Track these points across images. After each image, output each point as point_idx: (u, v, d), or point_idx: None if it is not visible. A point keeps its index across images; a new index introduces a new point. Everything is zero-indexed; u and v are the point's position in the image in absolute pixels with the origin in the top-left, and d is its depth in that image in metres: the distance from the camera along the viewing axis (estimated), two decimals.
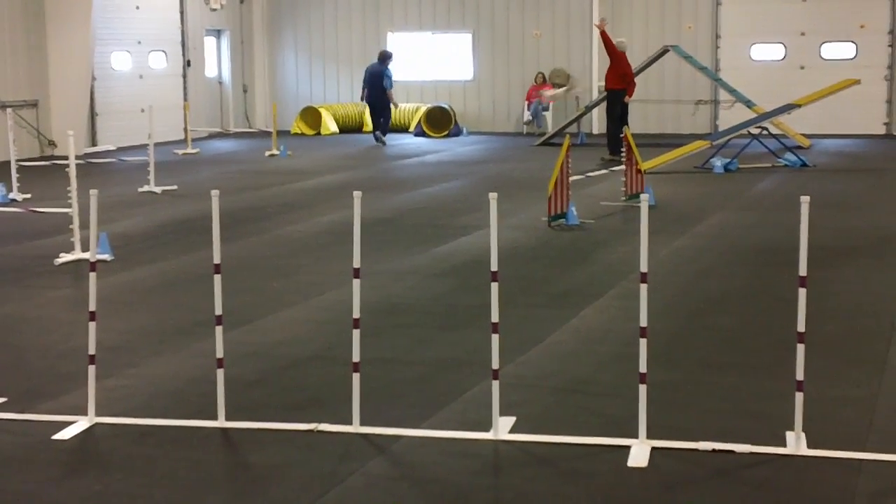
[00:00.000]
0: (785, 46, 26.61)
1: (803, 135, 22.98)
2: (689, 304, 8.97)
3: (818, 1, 26.21)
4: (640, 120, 25.23)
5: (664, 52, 22.98)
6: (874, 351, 7.43)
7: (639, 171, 14.83)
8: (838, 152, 21.87)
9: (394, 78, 25.12)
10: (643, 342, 5.62)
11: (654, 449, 5.54)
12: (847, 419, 6.05)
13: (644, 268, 5.65)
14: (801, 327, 5.55)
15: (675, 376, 6.90)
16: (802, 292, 5.57)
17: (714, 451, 5.51)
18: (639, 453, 5.49)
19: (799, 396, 5.54)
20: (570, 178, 13.43)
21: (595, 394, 6.64)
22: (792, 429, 5.59)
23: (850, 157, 21.04)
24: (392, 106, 24.75)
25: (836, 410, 6.19)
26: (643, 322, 5.62)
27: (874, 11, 25.94)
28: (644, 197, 5.79)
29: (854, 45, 26.19)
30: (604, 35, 20.75)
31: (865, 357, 7.31)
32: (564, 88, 26.22)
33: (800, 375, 5.54)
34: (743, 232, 12.44)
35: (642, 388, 5.61)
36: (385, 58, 24.89)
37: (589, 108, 24.78)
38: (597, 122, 26.61)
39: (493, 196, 5.97)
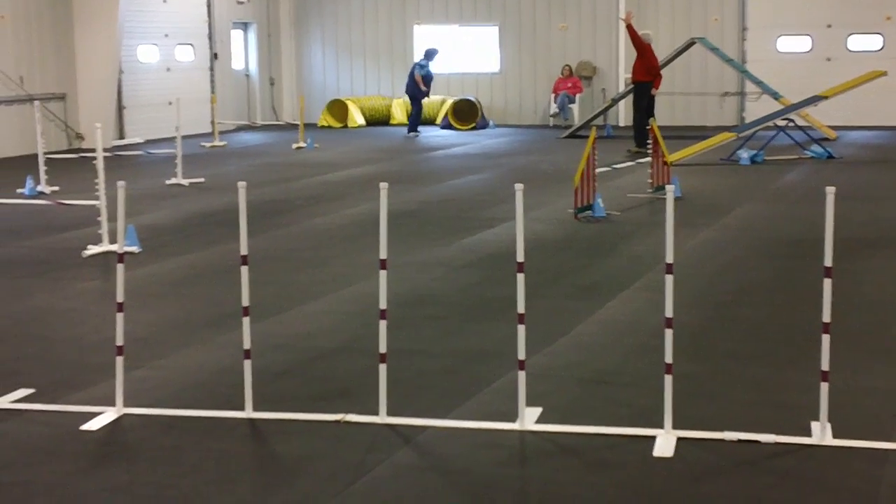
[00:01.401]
0: (811, 38, 26.49)
1: (830, 126, 22.88)
2: (715, 296, 8.97)
3: None
4: (666, 112, 25.19)
5: (691, 44, 22.92)
6: None
7: (665, 163, 14.81)
8: (865, 144, 21.76)
9: (433, 71, 25.54)
10: (669, 333, 5.63)
11: (679, 439, 5.56)
12: (872, 410, 6.05)
13: (670, 259, 5.66)
14: (826, 318, 5.56)
15: (700, 367, 6.91)
16: (828, 283, 5.57)
17: (739, 441, 5.53)
18: (664, 443, 5.51)
19: (824, 387, 5.54)
20: (597, 171, 13.44)
21: (621, 384, 6.66)
22: (817, 419, 5.60)
23: (877, 149, 20.93)
24: (421, 94, 25.16)
25: (862, 401, 6.19)
26: (669, 313, 5.64)
27: None
28: (669, 188, 5.80)
29: (881, 37, 26.05)
30: (630, 28, 20.71)
31: (891, 348, 7.30)
32: None
33: (825, 366, 5.55)
34: (769, 224, 12.42)
35: (668, 379, 5.62)
36: (427, 54, 25.42)
37: (615, 101, 24.72)
38: (623, 114, 26.57)
39: (518, 187, 6.00)
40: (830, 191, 5.63)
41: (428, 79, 25.25)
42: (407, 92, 25.65)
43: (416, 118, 25.30)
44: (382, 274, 5.98)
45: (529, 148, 22.01)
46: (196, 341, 7.73)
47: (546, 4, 27.95)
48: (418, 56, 26.62)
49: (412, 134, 24.78)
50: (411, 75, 25.28)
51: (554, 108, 27.05)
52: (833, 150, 19.62)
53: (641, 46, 20.62)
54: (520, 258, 5.91)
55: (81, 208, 12.81)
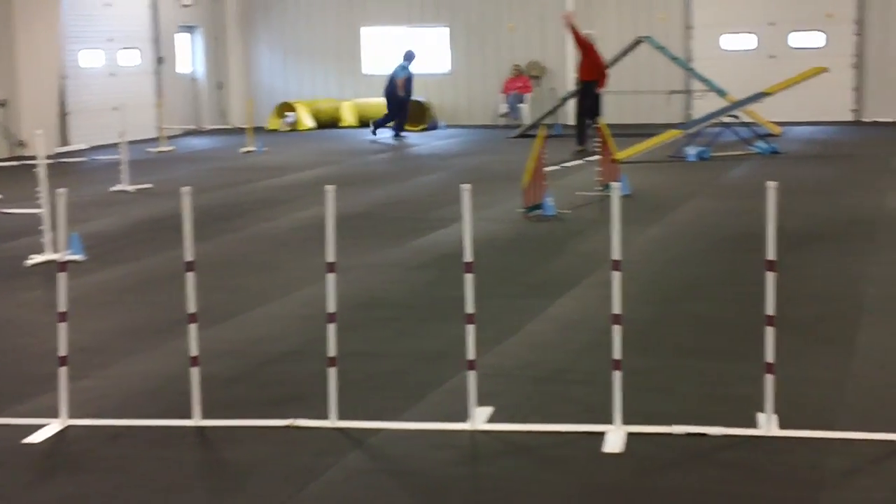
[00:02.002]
0: (756, 36, 26.75)
1: (774, 122, 23.10)
2: (664, 291, 9.04)
3: None
4: (614, 110, 25.28)
5: (637, 43, 23.06)
6: (844, 333, 7.52)
7: (613, 160, 14.89)
8: (808, 139, 22.01)
9: (383, 73, 25.32)
10: (617, 329, 5.67)
11: (629, 434, 5.60)
12: (817, 400, 6.13)
13: (617, 256, 5.70)
14: (769, 311, 5.62)
15: (650, 362, 6.96)
16: (770, 276, 5.64)
17: (688, 434, 5.58)
18: (614, 439, 5.54)
19: (769, 378, 5.61)
20: (546, 170, 13.49)
21: (572, 381, 6.69)
22: (764, 410, 5.66)
23: (820, 144, 21.18)
24: (399, 97, 24.68)
25: (807, 391, 6.27)
26: (616, 310, 5.68)
27: (841, 1, 26.10)
28: (615, 185, 5.84)
29: (823, 34, 26.35)
30: (572, 28, 20.83)
31: (835, 339, 7.40)
32: None
33: (770, 358, 5.61)
34: (716, 219, 12.52)
35: (617, 375, 5.66)
36: (406, 56, 25.03)
37: (565, 100, 24.81)
38: (573, 114, 26.67)
39: (465, 188, 6.01)
40: (772, 185, 5.69)
41: (409, 81, 24.80)
42: (386, 95, 24.95)
43: (398, 119, 24.70)
44: (330, 277, 5.97)
45: (480, 148, 22.05)
46: (143, 349, 7.68)
47: (495, 5, 28.01)
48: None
49: (400, 136, 24.39)
50: (392, 79, 24.69)
51: (504, 108, 27.10)
52: (778, 145, 19.82)
53: (584, 46, 20.75)
54: (467, 259, 5.93)
55: (24, 217, 12.67)
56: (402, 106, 24.80)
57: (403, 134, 24.73)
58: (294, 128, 26.76)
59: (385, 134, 24.56)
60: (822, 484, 4.99)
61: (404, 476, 5.30)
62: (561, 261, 10.49)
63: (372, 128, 24.83)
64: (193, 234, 6.06)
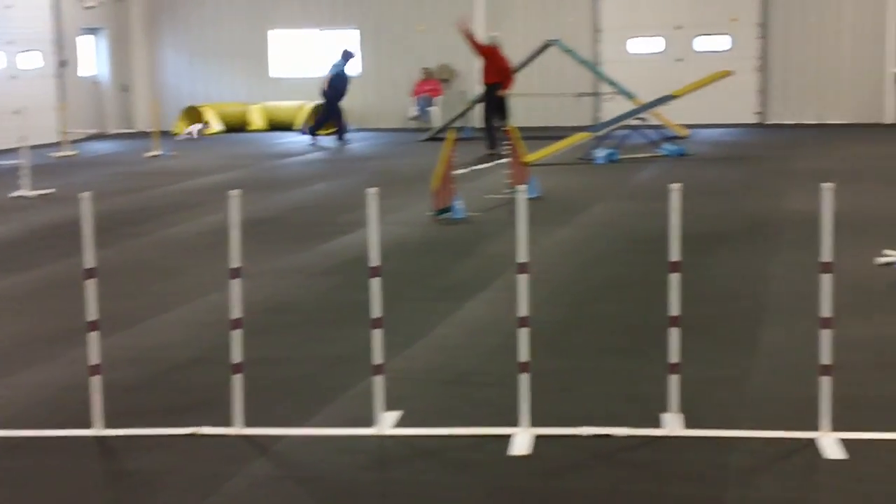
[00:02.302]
0: (663, 39, 27.09)
1: (681, 125, 23.40)
2: (573, 293, 9.09)
3: None
4: (524, 113, 25.41)
5: (546, 46, 23.20)
6: (747, 332, 7.62)
7: (523, 163, 14.95)
8: (714, 141, 22.34)
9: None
10: (524, 332, 5.68)
11: (537, 436, 5.60)
12: (721, 399, 6.20)
13: (523, 258, 5.70)
14: (673, 312, 5.67)
15: (559, 364, 6.98)
16: (675, 277, 5.69)
17: (595, 435, 5.60)
18: (521, 441, 5.54)
19: (674, 379, 5.65)
20: (456, 172, 13.51)
21: (480, 384, 6.68)
22: (669, 410, 5.70)
23: (726, 146, 21.52)
24: (336, 97, 24.18)
25: (711, 391, 6.33)
26: (523, 312, 5.68)
27: (745, 4, 26.55)
28: (521, 188, 5.84)
29: (728, 38, 26.77)
30: (467, 34, 20.89)
31: (739, 338, 7.49)
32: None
33: (674, 358, 5.65)
34: (624, 220, 12.63)
35: (524, 377, 5.67)
36: (344, 56, 24.43)
37: (474, 103, 24.88)
38: (480, 116, 26.76)
39: (371, 192, 5.97)
40: (675, 188, 5.73)
41: (342, 80, 24.22)
42: (325, 96, 24.44)
43: (338, 122, 24.30)
44: (235, 283, 5.90)
45: (390, 151, 22.02)
46: (42, 358, 7.50)
47: (405, 7, 28.00)
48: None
49: (343, 140, 24.04)
50: (331, 78, 24.17)
51: (414, 111, 27.10)
52: (685, 147, 20.09)
53: (483, 51, 20.84)
54: (374, 263, 5.89)
55: None
56: (332, 105, 24.23)
57: (347, 137, 24.34)
58: (200, 136, 26.20)
59: (289, 136, 24.37)
60: (725, 482, 5.04)
61: (310, 482, 5.24)
62: (470, 263, 10.49)
63: (308, 134, 24.37)
64: (96, 240, 5.95)
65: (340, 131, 24.14)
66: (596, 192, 15.05)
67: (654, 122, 21.84)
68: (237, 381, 5.85)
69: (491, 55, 20.79)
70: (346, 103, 27.43)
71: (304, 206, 14.51)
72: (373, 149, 22.67)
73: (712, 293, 8.84)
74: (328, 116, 24.26)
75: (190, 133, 25.79)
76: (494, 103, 20.74)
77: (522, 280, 5.69)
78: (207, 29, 28.83)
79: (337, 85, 24.09)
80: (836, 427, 5.51)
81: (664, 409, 5.77)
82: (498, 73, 20.72)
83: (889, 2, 25.83)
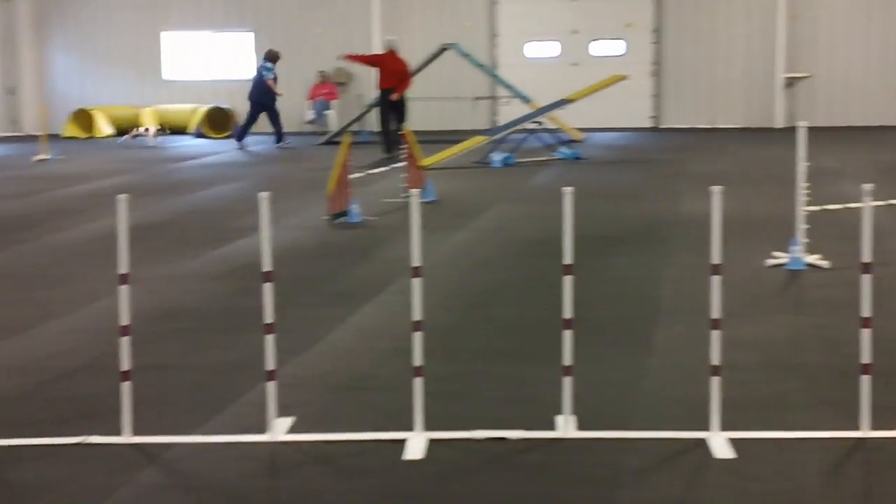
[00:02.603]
0: (559, 44, 27.34)
1: (577, 129, 23.64)
2: (467, 296, 9.09)
3: (588, 0, 27.02)
4: (421, 117, 25.47)
5: (443, 50, 23.28)
6: (640, 334, 7.69)
7: (419, 167, 14.95)
8: (609, 145, 22.61)
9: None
10: (418, 336, 5.65)
11: (430, 440, 5.57)
12: (614, 400, 6.24)
13: (416, 263, 5.68)
14: (567, 314, 5.69)
15: (453, 367, 6.96)
16: (568, 280, 5.70)
17: (488, 439, 5.58)
18: (415, 445, 5.51)
19: (567, 381, 5.67)
20: (352, 176, 13.45)
21: (374, 389, 6.64)
22: (562, 413, 5.72)
23: (620, 150, 21.78)
24: (272, 99, 23.81)
25: (605, 393, 6.37)
26: (417, 316, 5.66)
27: (640, 10, 26.94)
28: (415, 192, 5.82)
29: (623, 43, 27.12)
30: (354, 58, 20.91)
31: (632, 340, 7.55)
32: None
33: (567, 361, 5.67)
34: (520, 224, 12.69)
35: (418, 381, 5.64)
36: (269, 56, 24.05)
37: (371, 107, 24.83)
38: (376, 120, 26.72)
39: (263, 196, 5.90)
40: (568, 191, 5.75)
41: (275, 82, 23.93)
42: (251, 98, 24.11)
43: (279, 123, 23.94)
44: (123, 289, 5.78)
45: (285, 155, 21.87)
46: None
47: (300, 10, 27.86)
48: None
49: (283, 144, 23.72)
50: (259, 81, 23.87)
51: (310, 115, 26.96)
52: (580, 151, 20.29)
53: (376, 60, 20.92)
54: (266, 267, 5.81)
55: None
56: (257, 110, 23.73)
57: (288, 141, 23.90)
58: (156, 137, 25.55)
59: (182, 140, 24.03)
60: (617, 483, 5.07)
61: (200, 491, 5.15)
62: (366, 268, 10.44)
63: (235, 139, 23.93)
64: None
65: (278, 135, 23.80)
66: (492, 195, 15.11)
67: (551, 125, 22.04)
68: (126, 388, 5.72)
69: (385, 60, 20.78)
70: (238, 106, 27.21)
71: (198, 211, 14.32)
72: (268, 153, 22.47)
73: (607, 295, 8.92)
74: (253, 120, 23.95)
75: (140, 134, 25.20)
76: (391, 107, 20.73)
77: (416, 284, 5.67)
78: (98, 30, 28.35)
79: (263, 88, 23.74)
80: (726, 427, 5.58)
81: (558, 411, 5.78)
82: (393, 76, 20.72)
83: (779, 10, 26.40)
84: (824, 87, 26.90)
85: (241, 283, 9.76)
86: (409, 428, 5.69)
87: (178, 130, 26.62)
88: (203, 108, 26.65)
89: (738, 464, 5.23)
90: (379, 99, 21.28)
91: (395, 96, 20.56)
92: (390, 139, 20.62)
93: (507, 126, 20.75)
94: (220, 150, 23.06)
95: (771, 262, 9.95)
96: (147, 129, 25.54)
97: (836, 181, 15.34)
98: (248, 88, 24.22)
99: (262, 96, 23.81)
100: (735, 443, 5.44)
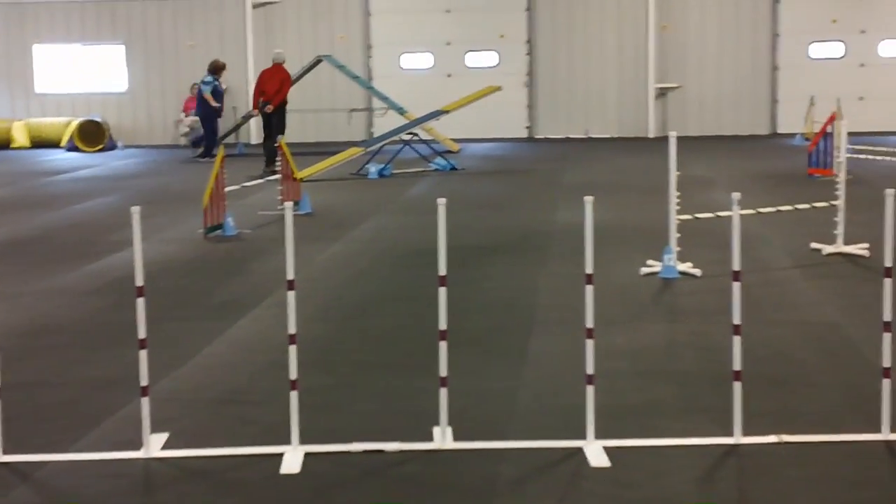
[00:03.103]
0: (433, 55, 27.47)
1: (453, 139, 23.78)
2: (344, 308, 9.07)
3: (461, 11, 27.23)
4: (297, 129, 25.36)
5: (318, 62, 23.21)
6: (516, 343, 7.76)
7: (295, 179, 14.87)
8: (485, 155, 22.78)
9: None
10: (293, 349, 5.63)
11: (307, 454, 5.55)
12: (491, 410, 6.28)
13: (291, 275, 5.65)
14: (442, 325, 5.71)
15: (330, 380, 6.94)
16: (443, 291, 5.73)
17: (365, 451, 5.58)
18: (292, 459, 5.48)
19: (443, 392, 5.70)
20: (227, 189, 13.32)
21: (250, 403, 6.58)
22: (439, 424, 5.74)
23: (496, 160, 21.97)
24: (214, 112, 22.93)
25: (481, 403, 6.41)
26: (292, 329, 5.63)
27: (513, 22, 27.22)
28: (288, 205, 5.80)
29: (496, 54, 27.37)
30: (275, 99, 20.51)
31: (509, 349, 7.61)
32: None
33: (443, 372, 5.70)
34: (396, 235, 12.71)
35: (293, 395, 5.61)
36: (212, 69, 23.12)
37: (246, 119, 24.65)
38: (255, 132, 26.54)
39: (135, 210, 5.82)
40: (441, 202, 5.79)
41: (218, 94, 23.03)
42: (197, 114, 23.38)
43: (211, 139, 22.98)
44: None
45: (160, 169, 21.56)
46: None
47: (173, 22, 27.52)
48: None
49: (207, 159, 22.88)
50: (199, 95, 23.05)
51: (185, 128, 26.63)
52: (456, 162, 20.41)
53: (267, 81, 20.60)
54: (139, 282, 5.74)
55: None
56: (211, 122, 23.02)
57: (212, 156, 23.11)
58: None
59: (53, 154, 23.45)
60: (494, 492, 5.10)
61: None
62: (242, 281, 10.35)
63: (201, 157, 23.03)
64: None
65: (208, 149, 23.16)
66: (368, 207, 15.11)
67: (426, 136, 22.12)
68: None
69: (270, 76, 20.59)
70: (111, 119, 26.73)
71: (71, 225, 14.03)
72: (142, 166, 22.15)
73: (483, 305, 8.98)
74: (212, 133, 23.20)
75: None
76: (269, 119, 20.57)
77: (291, 297, 5.65)
78: None
79: (201, 101, 23.01)
80: (602, 435, 5.66)
81: (435, 422, 5.80)
82: (278, 89, 20.60)
83: (650, 22, 26.94)
84: (695, 97, 27.52)
85: (116, 298, 9.59)
86: (286, 442, 5.66)
87: (51, 144, 26.04)
88: (76, 122, 26.13)
89: (614, 472, 5.31)
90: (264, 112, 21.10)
91: (268, 108, 20.39)
92: (274, 152, 20.51)
93: (382, 137, 20.76)
94: (94, 163, 22.63)
95: (645, 270, 10.14)
96: None
97: (707, 190, 15.69)
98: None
99: (203, 109, 23.08)
100: (610, 451, 5.52)
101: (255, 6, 27.36)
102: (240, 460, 5.57)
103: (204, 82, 23.15)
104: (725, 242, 5.70)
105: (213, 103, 22.82)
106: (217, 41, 27.43)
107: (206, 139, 23.16)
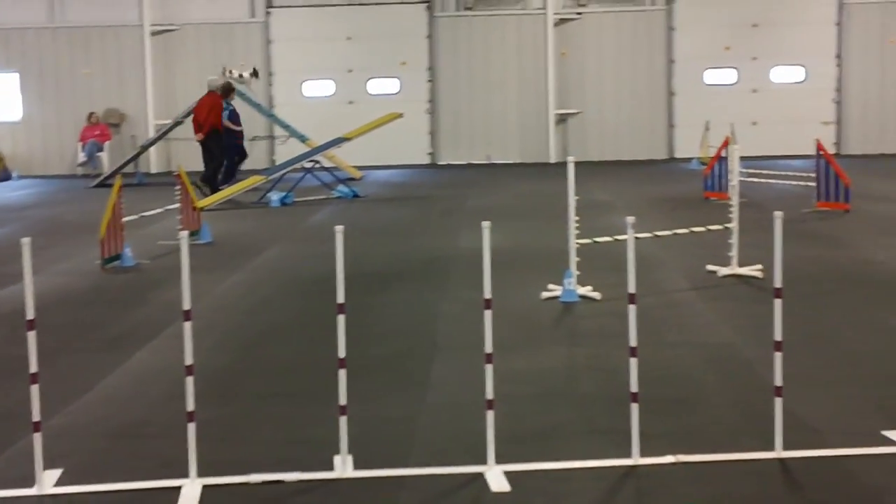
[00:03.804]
0: (335, 82, 27.45)
1: (356, 167, 23.76)
2: (243, 338, 8.97)
3: (363, 39, 27.28)
4: (198, 157, 25.15)
5: None
6: (417, 370, 7.74)
7: (195, 208, 14.71)
8: (388, 182, 22.79)
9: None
10: (190, 381, 5.55)
11: (205, 487, 5.47)
12: (392, 438, 6.25)
13: (187, 306, 5.58)
14: (341, 353, 5.68)
15: (228, 411, 6.86)
16: (341, 319, 5.70)
17: (264, 482, 5.52)
18: (189, 493, 5.40)
19: (343, 420, 5.66)
20: (125, 219, 13.14)
21: (148, 436, 6.47)
22: (339, 452, 5.70)
23: (399, 187, 21.99)
24: (238, 136, 21.90)
25: (382, 430, 6.38)
26: (188, 360, 5.56)
27: (414, 49, 27.34)
28: (183, 234, 5.74)
29: (398, 81, 27.45)
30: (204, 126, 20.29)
31: (409, 376, 7.59)
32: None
33: (343, 400, 5.66)
34: (298, 263, 12.64)
35: (191, 427, 5.53)
36: (225, 91, 21.81)
37: (145, 147, 24.35)
38: (155, 161, 26.24)
39: (25, 241, 5.71)
40: (339, 229, 5.77)
41: (235, 116, 22.04)
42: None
43: (231, 167, 21.79)
44: None
45: (57, 199, 21.19)
46: None
47: (69, 50, 27.13)
48: None
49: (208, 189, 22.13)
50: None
51: (82, 157, 26.25)
52: (359, 189, 20.39)
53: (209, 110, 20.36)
54: (30, 315, 5.62)
55: None
56: (232, 151, 21.84)
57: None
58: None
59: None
60: None
61: None
62: (140, 312, 10.19)
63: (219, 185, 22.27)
64: None
65: (228, 174, 22.16)
66: (270, 235, 15.01)
67: (329, 164, 22.07)
68: None
69: (203, 103, 20.43)
70: (5, 149, 26.22)
71: None
72: (38, 196, 21.75)
73: (385, 332, 8.95)
74: (233, 157, 22.13)
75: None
76: (213, 146, 20.34)
77: (187, 328, 5.57)
78: None
79: (236, 122, 22.11)
80: (502, 460, 5.67)
81: (336, 451, 5.76)
82: (206, 117, 20.36)
83: (549, 49, 27.24)
84: (594, 122, 27.87)
85: (9, 331, 9.37)
86: (184, 475, 5.57)
87: None
88: None
89: (514, 496, 5.32)
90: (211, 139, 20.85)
91: (198, 137, 20.22)
92: (234, 173, 20.46)
93: (284, 165, 20.66)
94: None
95: (546, 294, 10.20)
96: None
97: (606, 214, 15.87)
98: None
99: (226, 139, 21.59)
100: (511, 475, 5.53)
101: (154, 34, 27.10)
102: (136, 495, 5.46)
103: (226, 108, 21.86)
104: (624, 265, 5.76)
105: (236, 128, 21.89)
106: (115, 69, 27.10)
107: (227, 166, 21.82)
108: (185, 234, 5.74)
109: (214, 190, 19.85)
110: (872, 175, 21.60)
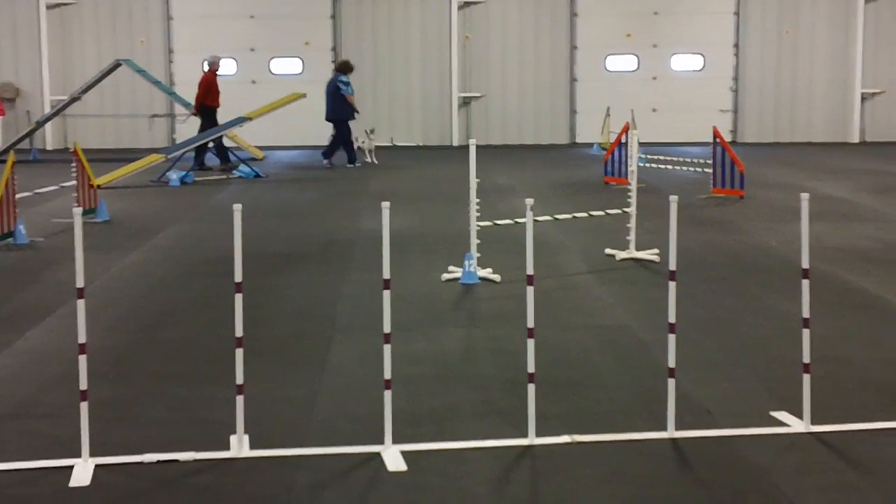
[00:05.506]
0: (237, 61, 27.19)
1: (258, 147, 23.57)
2: (140, 318, 8.85)
3: (266, 18, 27.06)
4: (96, 134, 24.74)
5: (116, 65, 22.64)
6: (316, 351, 7.72)
7: (92, 186, 14.47)
8: (290, 163, 22.66)
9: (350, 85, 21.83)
10: (83, 359, 5.47)
11: (98, 466, 5.40)
12: (289, 418, 6.23)
13: (80, 283, 5.50)
14: (238, 332, 5.64)
15: (123, 391, 6.77)
16: (239, 298, 5.66)
17: (159, 462, 5.46)
18: (82, 472, 5.32)
19: (239, 400, 5.62)
20: (18, 196, 12.86)
21: (39, 416, 6.36)
22: (235, 432, 5.66)
23: (301, 168, 21.88)
24: (351, 115, 21.63)
25: (279, 410, 6.35)
26: (82, 339, 5.48)
27: (318, 29, 27.20)
28: (77, 210, 5.65)
29: (301, 61, 27.28)
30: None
31: (308, 357, 7.57)
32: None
33: (240, 380, 5.63)
34: (197, 243, 12.50)
35: (84, 406, 5.45)
36: (344, 68, 21.74)
37: (41, 123, 23.86)
38: (51, 137, 25.74)
39: None
40: (237, 208, 5.73)
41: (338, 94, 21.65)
42: (330, 118, 21.75)
43: (348, 145, 21.79)
44: None
45: None
46: None
47: None
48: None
49: (354, 165, 21.65)
50: (336, 97, 21.53)
51: None
52: (260, 169, 20.23)
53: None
54: None
55: None
56: (341, 127, 21.66)
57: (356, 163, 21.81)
58: None
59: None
60: (290, 500, 5.06)
61: None
62: (33, 291, 9.99)
63: (325, 159, 21.72)
64: None
65: (350, 156, 21.96)
66: (169, 215, 14.82)
67: (231, 144, 21.87)
68: None
69: (201, 81, 20.78)
70: None
71: None
72: None
73: (284, 313, 8.90)
74: (343, 135, 21.89)
75: None
76: (205, 123, 20.64)
77: (81, 306, 5.48)
78: None
79: (339, 104, 21.68)
80: (399, 440, 5.69)
81: (232, 431, 5.72)
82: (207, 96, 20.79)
83: (453, 33, 27.30)
84: (498, 106, 28.00)
85: None
86: (77, 455, 5.49)
87: None
88: None
89: (410, 476, 5.34)
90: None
91: (190, 113, 20.50)
92: (225, 153, 20.43)
93: (184, 144, 20.41)
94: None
95: (446, 276, 10.24)
96: None
97: (508, 197, 15.96)
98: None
99: (340, 112, 21.61)
100: (408, 455, 5.55)
101: (50, 7, 26.53)
102: (27, 474, 5.37)
103: (342, 81, 21.68)
104: (524, 248, 5.80)
105: (354, 105, 21.79)
106: (9, 42, 26.49)
107: (346, 145, 21.88)
108: (78, 210, 5.63)
109: (226, 160, 20.13)
110: (767, 163, 22.05)
